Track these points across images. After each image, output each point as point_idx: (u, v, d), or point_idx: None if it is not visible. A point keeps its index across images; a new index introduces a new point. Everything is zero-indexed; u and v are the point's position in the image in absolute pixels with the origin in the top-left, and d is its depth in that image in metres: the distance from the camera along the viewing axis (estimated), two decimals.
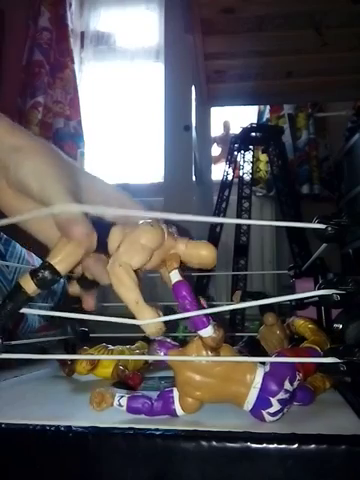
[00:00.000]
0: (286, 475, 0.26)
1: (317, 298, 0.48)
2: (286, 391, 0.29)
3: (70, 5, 2.18)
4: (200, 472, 0.26)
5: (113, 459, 0.27)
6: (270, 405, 0.29)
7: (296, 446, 0.25)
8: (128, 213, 0.33)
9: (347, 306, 0.33)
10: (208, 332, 0.29)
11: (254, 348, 0.44)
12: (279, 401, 0.29)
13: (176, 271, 0.30)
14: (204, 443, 0.26)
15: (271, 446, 0.26)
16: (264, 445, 0.26)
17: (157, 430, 0.27)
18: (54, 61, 2.12)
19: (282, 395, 0.29)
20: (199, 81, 1.64)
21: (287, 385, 0.29)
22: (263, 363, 0.31)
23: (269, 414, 0.29)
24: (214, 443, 0.26)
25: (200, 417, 0.32)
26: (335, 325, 0.46)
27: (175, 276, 0.30)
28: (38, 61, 2.08)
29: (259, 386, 0.29)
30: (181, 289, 0.29)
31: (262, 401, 0.29)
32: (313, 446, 0.25)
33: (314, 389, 0.36)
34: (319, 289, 0.32)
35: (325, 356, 0.31)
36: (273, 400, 0.29)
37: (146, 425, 0.28)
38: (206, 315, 0.29)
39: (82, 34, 2.26)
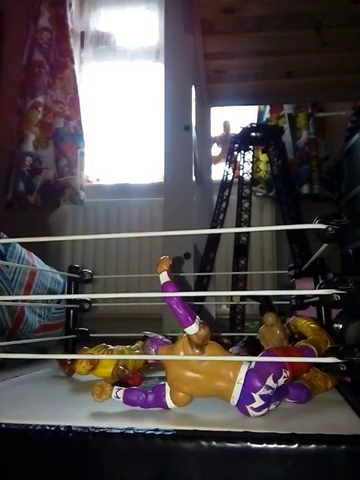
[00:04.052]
0: (286, 475, 0.26)
1: (317, 298, 0.48)
2: (268, 387, 0.30)
3: (70, 5, 2.18)
4: (200, 472, 0.26)
5: (113, 459, 0.27)
6: (253, 400, 0.30)
7: (296, 446, 0.25)
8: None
9: (347, 306, 0.33)
10: (193, 329, 0.31)
11: (254, 348, 0.44)
12: (261, 397, 0.30)
13: (165, 273, 0.32)
14: (204, 443, 0.26)
15: (271, 446, 0.26)
16: (264, 445, 0.26)
17: (157, 430, 0.27)
18: (54, 61, 2.12)
19: (264, 391, 0.30)
20: (199, 81, 1.64)
21: (270, 382, 0.30)
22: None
23: (253, 409, 0.30)
24: (214, 443, 0.26)
25: (198, 413, 0.32)
26: (335, 325, 0.46)
27: (164, 277, 0.32)
28: (38, 61, 2.08)
29: (242, 382, 0.30)
30: (169, 290, 0.31)
31: (246, 396, 0.30)
32: (313, 446, 0.25)
33: (313, 388, 0.36)
34: (319, 289, 0.32)
35: (325, 356, 0.31)
36: (255, 395, 0.30)
37: (146, 425, 0.28)
38: (191, 313, 0.31)
39: (82, 34, 2.26)
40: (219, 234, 1.56)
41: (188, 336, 0.31)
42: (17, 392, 0.44)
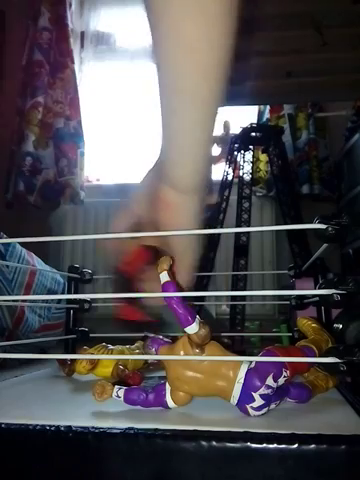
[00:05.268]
0: (286, 475, 0.26)
1: (317, 298, 0.48)
2: (268, 387, 0.30)
3: (70, 5, 2.18)
4: (200, 472, 0.26)
5: (113, 459, 0.27)
6: (253, 400, 0.30)
7: (296, 446, 0.25)
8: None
9: (347, 306, 0.33)
10: (193, 329, 0.31)
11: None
12: (261, 396, 0.30)
13: (165, 272, 0.32)
14: (204, 443, 0.26)
15: (271, 446, 0.26)
16: (264, 445, 0.26)
17: (157, 430, 0.27)
18: (54, 61, 2.12)
19: (264, 390, 0.30)
20: None
21: (270, 381, 0.30)
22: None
23: (253, 408, 0.30)
24: (214, 443, 0.26)
25: (198, 413, 0.32)
26: (335, 325, 0.46)
27: (164, 277, 0.32)
28: (38, 61, 2.08)
29: (242, 381, 0.30)
30: (169, 289, 0.31)
31: (246, 396, 0.30)
32: (313, 446, 0.25)
33: (314, 387, 0.36)
34: (319, 289, 0.32)
35: (325, 356, 0.31)
36: (255, 395, 0.30)
37: (146, 425, 0.28)
38: (191, 313, 0.31)
39: (82, 34, 2.26)
40: (219, 234, 1.56)
41: (188, 336, 0.31)
42: (17, 392, 0.44)
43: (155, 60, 0.36)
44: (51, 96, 2.10)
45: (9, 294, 0.88)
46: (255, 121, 2.10)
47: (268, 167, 1.92)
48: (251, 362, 0.31)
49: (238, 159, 1.64)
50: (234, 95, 1.84)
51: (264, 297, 1.22)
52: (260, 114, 2.16)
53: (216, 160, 2.20)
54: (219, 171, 1.76)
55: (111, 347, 0.47)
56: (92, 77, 2.26)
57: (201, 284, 1.50)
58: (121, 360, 0.45)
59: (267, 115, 2.13)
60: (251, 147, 1.65)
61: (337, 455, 0.25)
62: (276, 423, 0.29)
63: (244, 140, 1.63)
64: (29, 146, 2.02)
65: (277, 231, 1.93)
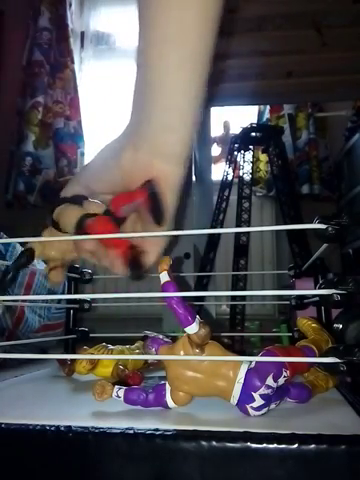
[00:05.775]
0: (286, 475, 0.26)
1: (317, 298, 0.48)
2: (268, 387, 0.30)
3: (70, 5, 2.18)
4: (200, 472, 0.26)
5: (113, 459, 0.27)
6: (253, 400, 0.30)
7: (296, 446, 0.25)
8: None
9: (347, 306, 0.33)
10: (193, 329, 0.31)
11: None
12: (261, 396, 0.30)
13: (165, 272, 0.32)
14: (204, 443, 0.26)
15: (271, 446, 0.26)
16: (264, 445, 0.26)
17: (157, 430, 0.27)
18: (54, 61, 2.12)
19: (264, 390, 0.30)
20: None
21: (270, 381, 0.30)
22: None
23: (253, 408, 0.30)
24: (214, 443, 0.26)
25: (198, 413, 0.32)
26: (335, 325, 0.46)
27: (164, 277, 0.32)
28: (38, 61, 2.08)
29: (242, 381, 0.30)
30: (169, 289, 0.31)
31: (246, 396, 0.30)
32: (313, 446, 0.25)
33: (314, 387, 0.36)
34: (319, 289, 0.32)
35: (325, 356, 0.31)
36: (255, 395, 0.30)
37: (146, 425, 0.28)
38: (191, 313, 0.31)
39: (82, 34, 2.26)
40: (219, 234, 1.56)
41: (188, 336, 0.31)
42: (17, 392, 0.44)
43: (147, 16, 0.35)
44: (51, 96, 2.10)
45: (9, 294, 0.88)
46: (255, 121, 2.10)
47: (268, 167, 1.92)
48: (251, 362, 0.31)
49: (238, 159, 1.64)
50: (234, 95, 1.84)
51: (264, 297, 1.22)
52: (260, 114, 2.16)
53: (216, 160, 2.20)
54: (219, 171, 1.76)
55: (111, 347, 0.47)
56: (92, 77, 2.26)
57: (201, 284, 1.50)
58: (121, 360, 0.45)
59: (267, 115, 2.13)
60: (251, 147, 1.65)
61: (337, 455, 0.25)
62: (276, 423, 0.29)
63: (244, 140, 1.63)
64: (29, 146, 2.02)
65: (277, 231, 1.93)
